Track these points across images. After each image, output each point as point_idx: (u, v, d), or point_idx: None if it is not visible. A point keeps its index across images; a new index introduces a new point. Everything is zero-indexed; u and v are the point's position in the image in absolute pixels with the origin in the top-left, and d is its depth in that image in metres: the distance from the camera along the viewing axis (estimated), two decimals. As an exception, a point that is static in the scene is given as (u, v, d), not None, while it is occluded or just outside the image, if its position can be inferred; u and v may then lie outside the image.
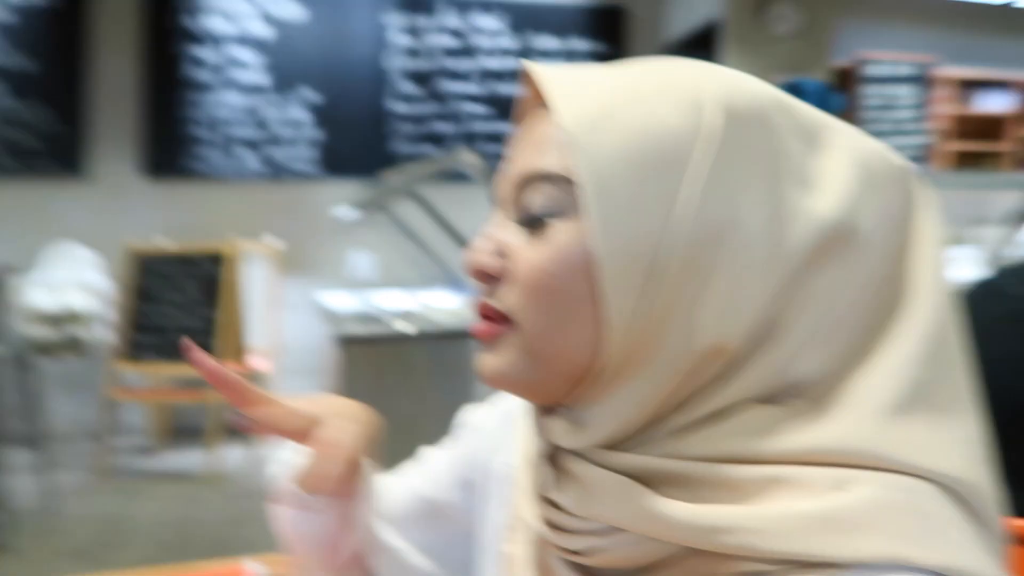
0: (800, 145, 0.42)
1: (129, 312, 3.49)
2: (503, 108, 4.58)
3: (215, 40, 4.14)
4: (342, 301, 3.70)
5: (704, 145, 0.40)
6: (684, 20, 4.38)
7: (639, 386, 0.41)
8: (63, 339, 3.67)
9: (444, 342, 2.69)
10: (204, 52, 4.15)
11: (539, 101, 0.45)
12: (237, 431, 3.65)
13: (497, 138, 4.60)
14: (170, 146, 4.09)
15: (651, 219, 0.39)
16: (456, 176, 4.34)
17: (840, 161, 0.43)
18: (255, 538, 2.68)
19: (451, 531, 0.68)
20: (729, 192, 0.40)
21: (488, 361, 0.45)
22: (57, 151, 3.98)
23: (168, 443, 3.83)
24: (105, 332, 3.80)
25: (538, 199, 0.43)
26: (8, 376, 2.79)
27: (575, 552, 0.44)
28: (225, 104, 4.17)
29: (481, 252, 0.45)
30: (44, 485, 2.92)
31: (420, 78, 4.48)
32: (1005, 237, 3.52)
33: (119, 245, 3.71)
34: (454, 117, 4.54)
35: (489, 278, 0.45)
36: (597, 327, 0.41)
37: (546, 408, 0.46)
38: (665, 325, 0.40)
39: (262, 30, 4.19)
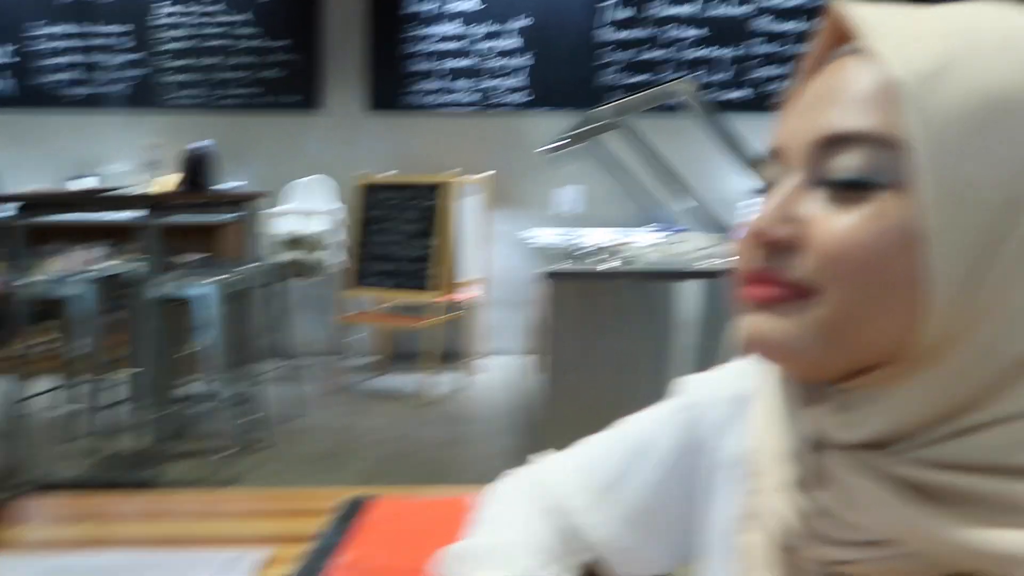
0: None
1: (358, 240, 3.79)
2: (720, 31, 4.35)
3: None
4: (549, 236, 3.78)
5: None
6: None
7: (940, 379, 0.37)
8: (305, 262, 4.09)
9: (651, 282, 2.67)
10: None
11: (841, 43, 0.41)
12: (451, 357, 3.90)
13: (712, 64, 4.39)
14: (392, 80, 4.31)
15: (990, 193, 0.35)
16: (668, 107, 4.21)
17: None
18: (465, 460, 2.89)
19: (666, 515, 0.64)
20: None
21: (769, 326, 0.40)
22: (298, 85, 4.34)
23: (389, 365, 4.18)
24: (339, 257, 4.19)
25: (851, 163, 0.38)
26: (261, 296, 3.16)
27: (835, 561, 0.41)
28: (442, 35, 4.30)
29: (770, 218, 0.40)
30: (290, 395, 3.31)
31: (632, 0, 4.34)
32: None
33: (349, 176, 4.02)
34: (667, 43, 4.37)
35: (776, 247, 0.40)
36: (913, 311, 0.37)
37: (810, 391, 0.43)
38: (987, 313, 0.36)
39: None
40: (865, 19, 0.39)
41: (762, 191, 0.44)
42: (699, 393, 0.62)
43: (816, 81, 0.41)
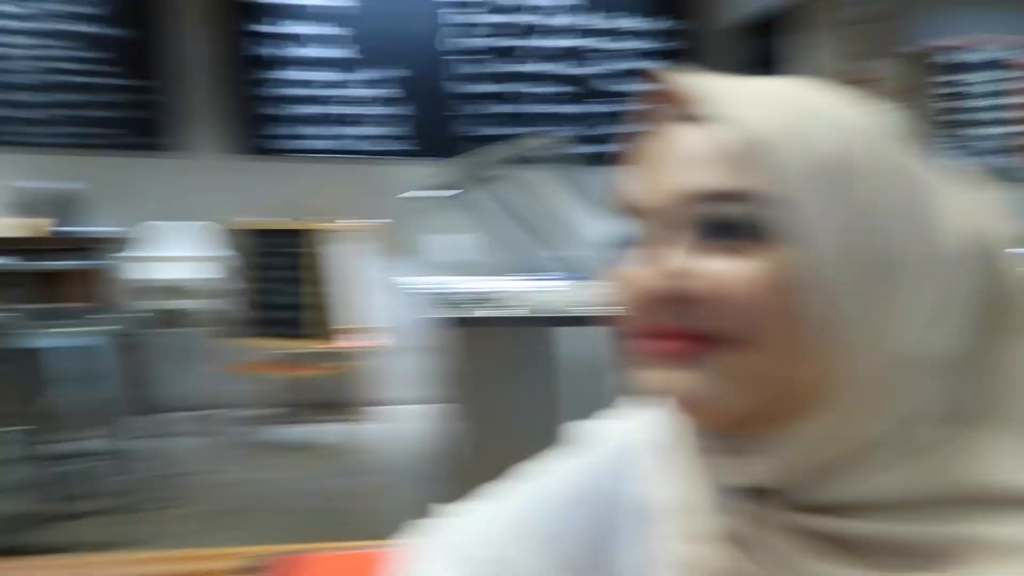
0: (919, 162, 0.43)
1: (238, 288, 3.66)
2: (576, 89, 4.57)
3: (297, 15, 4.28)
4: (435, 283, 3.77)
5: (870, 171, 0.40)
6: (753, 2, 4.26)
7: (838, 421, 0.39)
8: (179, 311, 3.89)
9: (528, 328, 2.72)
10: (287, 26, 4.29)
11: (675, 108, 0.44)
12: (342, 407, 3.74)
13: (571, 120, 4.57)
14: (256, 123, 4.27)
15: (846, 238, 0.39)
16: (525, 160, 4.36)
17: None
18: (376, 511, 2.77)
19: (580, 562, 0.62)
20: (895, 208, 0.40)
21: (685, 380, 0.41)
22: (153, 127, 4.18)
23: (278, 417, 4.00)
24: (218, 306, 4.00)
25: (735, 211, 0.40)
26: (127, 348, 2.97)
27: None
28: (307, 81, 4.30)
29: (651, 276, 0.41)
30: (170, 452, 3.10)
31: (493, 56, 4.50)
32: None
33: (222, 221, 3.88)
34: (526, 98, 4.54)
35: (673, 301, 0.41)
36: (818, 355, 0.39)
37: (710, 438, 0.44)
38: (868, 347, 0.39)
39: (343, 1, 4.31)
40: (706, 89, 0.42)
41: (624, 245, 0.45)
42: (602, 440, 0.62)
43: (662, 143, 0.43)
